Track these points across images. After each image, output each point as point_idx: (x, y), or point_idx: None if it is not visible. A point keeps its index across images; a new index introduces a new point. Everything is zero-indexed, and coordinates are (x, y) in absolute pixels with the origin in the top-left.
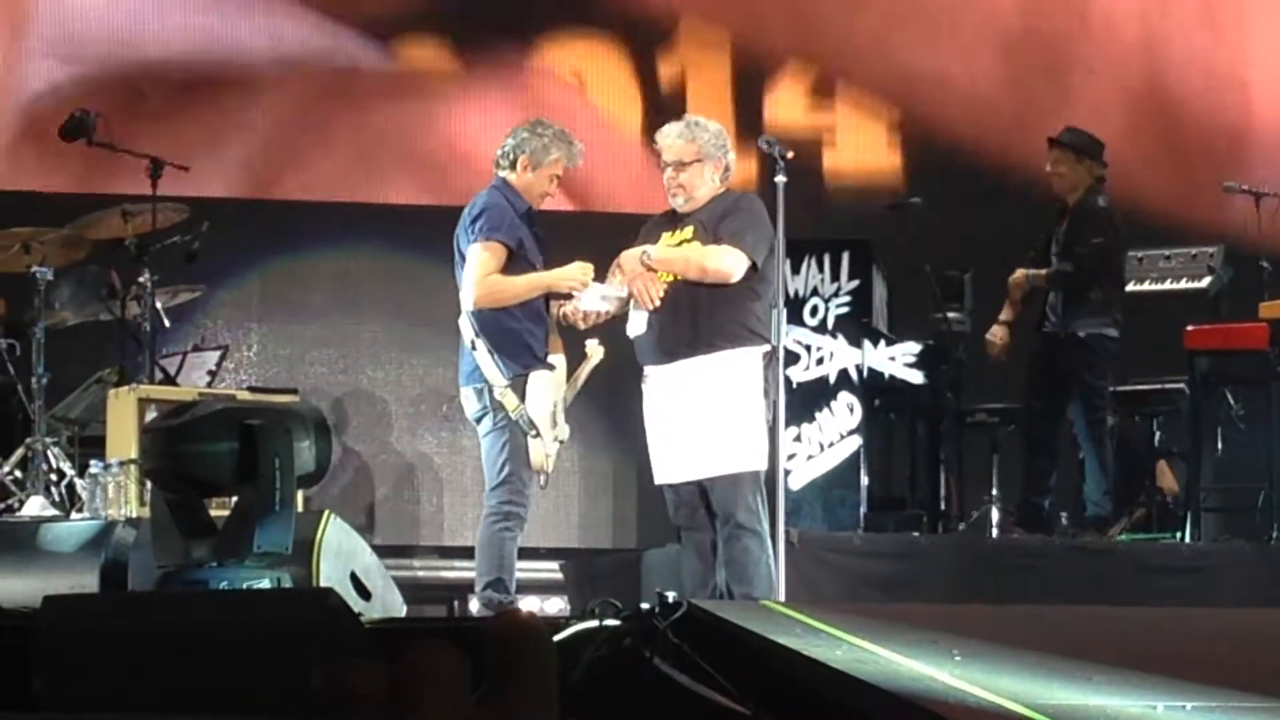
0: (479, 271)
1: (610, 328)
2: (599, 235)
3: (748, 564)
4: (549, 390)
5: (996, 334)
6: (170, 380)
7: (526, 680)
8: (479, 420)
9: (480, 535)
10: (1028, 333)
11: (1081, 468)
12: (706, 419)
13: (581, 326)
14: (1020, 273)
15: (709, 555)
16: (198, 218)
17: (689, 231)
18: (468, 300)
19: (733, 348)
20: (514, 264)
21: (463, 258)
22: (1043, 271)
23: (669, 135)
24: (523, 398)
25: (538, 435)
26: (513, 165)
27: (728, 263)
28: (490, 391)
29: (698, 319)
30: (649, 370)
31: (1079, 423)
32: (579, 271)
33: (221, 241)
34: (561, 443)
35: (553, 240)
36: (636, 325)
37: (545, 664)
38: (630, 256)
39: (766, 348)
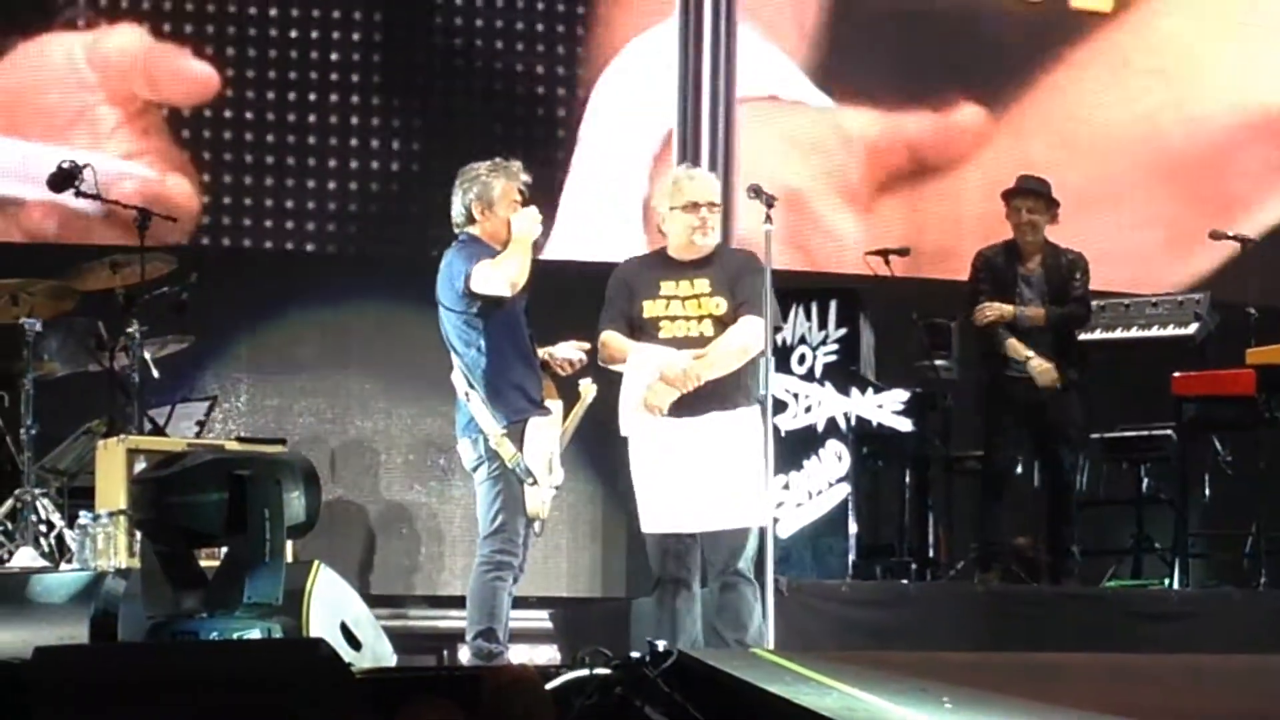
0: (489, 270)
1: (602, 370)
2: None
3: (743, 610)
4: (546, 436)
5: (1047, 367)
6: (159, 431)
7: None
8: (475, 469)
9: (472, 584)
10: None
11: (1058, 514)
12: (729, 472)
13: (561, 374)
14: (1008, 308)
15: (691, 605)
16: (186, 269)
17: (705, 284)
18: (505, 288)
19: (747, 406)
20: (500, 304)
21: (447, 309)
22: (1038, 311)
23: (705, 175)
24: (520, 445)
25: (535, 483)
26: (471, 219)
27: (756, 337)
28: (486, 441)
29: (721, 379)
30: (670, 422)
31: (1061, 470)
32: (532, 216)
33: (210, 292)
34: (557, 489)
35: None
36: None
37: (541, 717)
38: (665, 388)
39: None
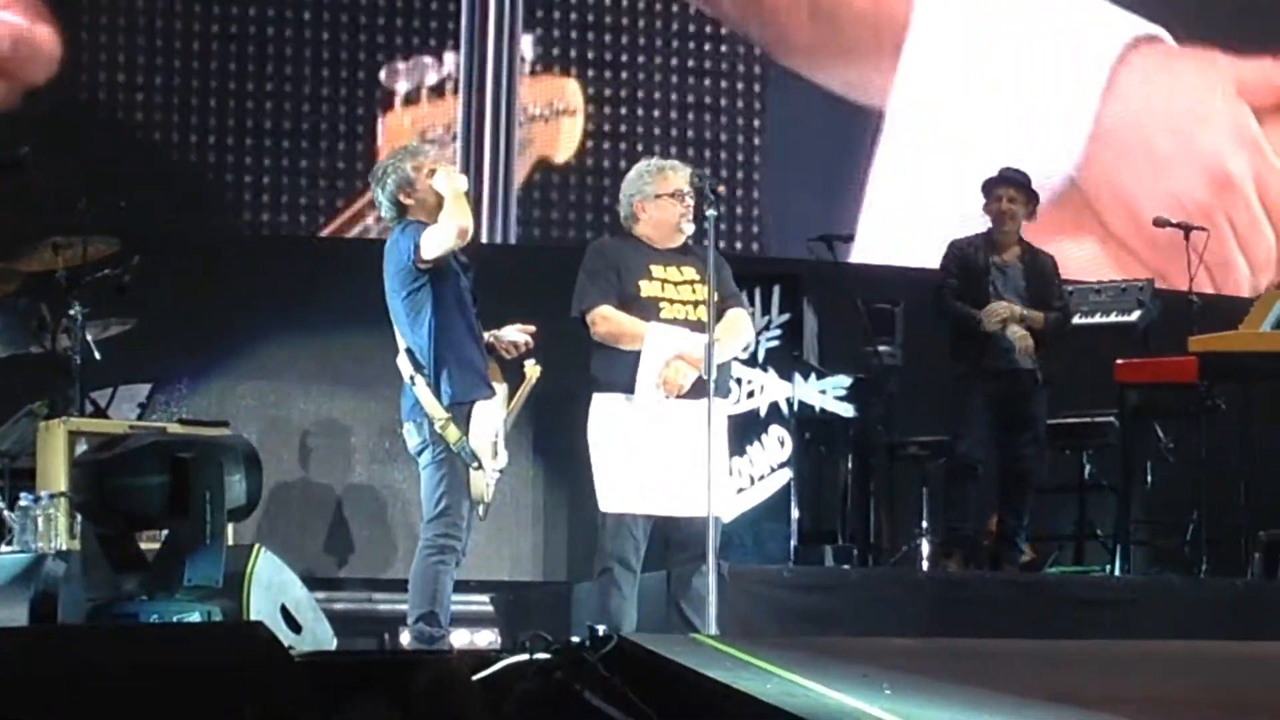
0: (434, 232)
1: (542, 353)
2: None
3: (708, 598)
4: (491, 420)
5: (1024, 334)
6: (101, 413)
7: None
8: (420, 453)
9: (415, 568)
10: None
11: (1011, 505)
12: (723, 458)
13: (507, 356)
14: (1016, 308)
15: (634, 590)
16: (129, 251)
17: (692, 271)
18: (455, 238)
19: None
20: (444, 276)
21: (395, 291)
22: (1038, 314)
23: (683, 167)
24: (465, 429)
25: (479, 467)
26: (401, 207)
27: (750, 328)
28: (431, 425)
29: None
30: (674, 403)
31: (1034, 461)
32: (451, 172)
33: (152, 274)
34: (501, 472)
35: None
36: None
37: (470, 711)
38: (689, 367)
39: None
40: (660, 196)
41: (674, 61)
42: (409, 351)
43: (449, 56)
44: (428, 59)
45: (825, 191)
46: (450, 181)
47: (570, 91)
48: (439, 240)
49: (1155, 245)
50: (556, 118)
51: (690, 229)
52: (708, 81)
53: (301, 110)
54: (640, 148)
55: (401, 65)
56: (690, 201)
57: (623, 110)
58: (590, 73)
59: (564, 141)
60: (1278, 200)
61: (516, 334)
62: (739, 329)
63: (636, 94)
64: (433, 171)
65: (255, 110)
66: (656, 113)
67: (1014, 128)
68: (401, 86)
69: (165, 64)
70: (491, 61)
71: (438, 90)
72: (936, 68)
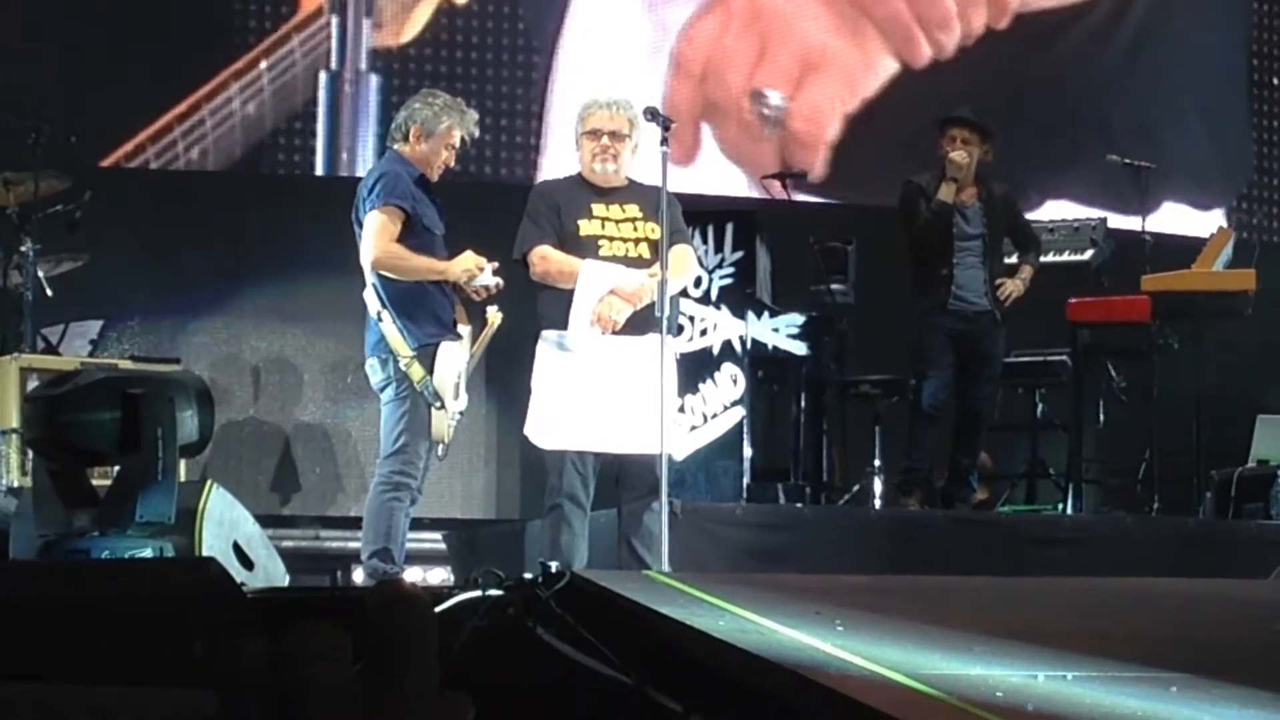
0: (380, 237)
1: (505, 296)
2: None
3: (660, 536)
4: (455, 361)
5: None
6: (52, 349)
7: (406, 649)
8: (382, 390)
9: (369, 504)
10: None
11: (965, 443)
12: (671, 395)
13: (476, 299)
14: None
15: (584, 526)
16: (80, 186)
17: (635, 209)
18: (367, 261)
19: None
20: (411, 231)
21: (361, 226)
22: (1029, 271)
23: (609, 105)
24: (430, 369)
25: (441, 407)
26: (405, 137)
27: (695, 265)
28: (395, 361)
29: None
30: (617, 340)
31: (988, 401)
32: (471, 262)
33: (104, 210)
34: (461, 414)
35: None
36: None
37: (425, 633)
38: (622, 302)
39: None
40: (581, 135)
41: None
42: (375, 287)
43: None
44: None
45: None
46: (464, 274)
47: None
48: (368, 243)
49: None
50: None
51: (604, 168)
52: None
53: None
54: None
55: None
56: (608, 142)
57: None
58: None
59: None
60: None
61: (489, 278)
62: (685, 264)
63: None
64: (453, 148)
65: None
66: None
67: None
68: None
69: None
70: None
71: None
72: None
